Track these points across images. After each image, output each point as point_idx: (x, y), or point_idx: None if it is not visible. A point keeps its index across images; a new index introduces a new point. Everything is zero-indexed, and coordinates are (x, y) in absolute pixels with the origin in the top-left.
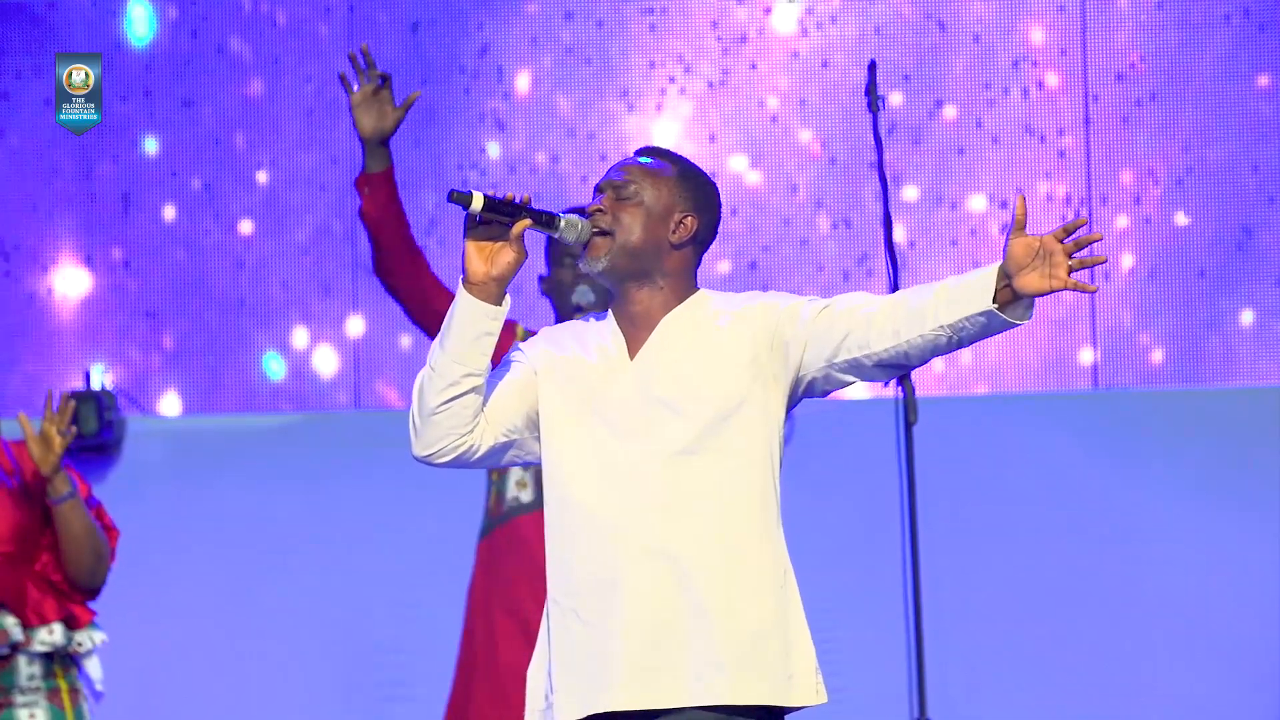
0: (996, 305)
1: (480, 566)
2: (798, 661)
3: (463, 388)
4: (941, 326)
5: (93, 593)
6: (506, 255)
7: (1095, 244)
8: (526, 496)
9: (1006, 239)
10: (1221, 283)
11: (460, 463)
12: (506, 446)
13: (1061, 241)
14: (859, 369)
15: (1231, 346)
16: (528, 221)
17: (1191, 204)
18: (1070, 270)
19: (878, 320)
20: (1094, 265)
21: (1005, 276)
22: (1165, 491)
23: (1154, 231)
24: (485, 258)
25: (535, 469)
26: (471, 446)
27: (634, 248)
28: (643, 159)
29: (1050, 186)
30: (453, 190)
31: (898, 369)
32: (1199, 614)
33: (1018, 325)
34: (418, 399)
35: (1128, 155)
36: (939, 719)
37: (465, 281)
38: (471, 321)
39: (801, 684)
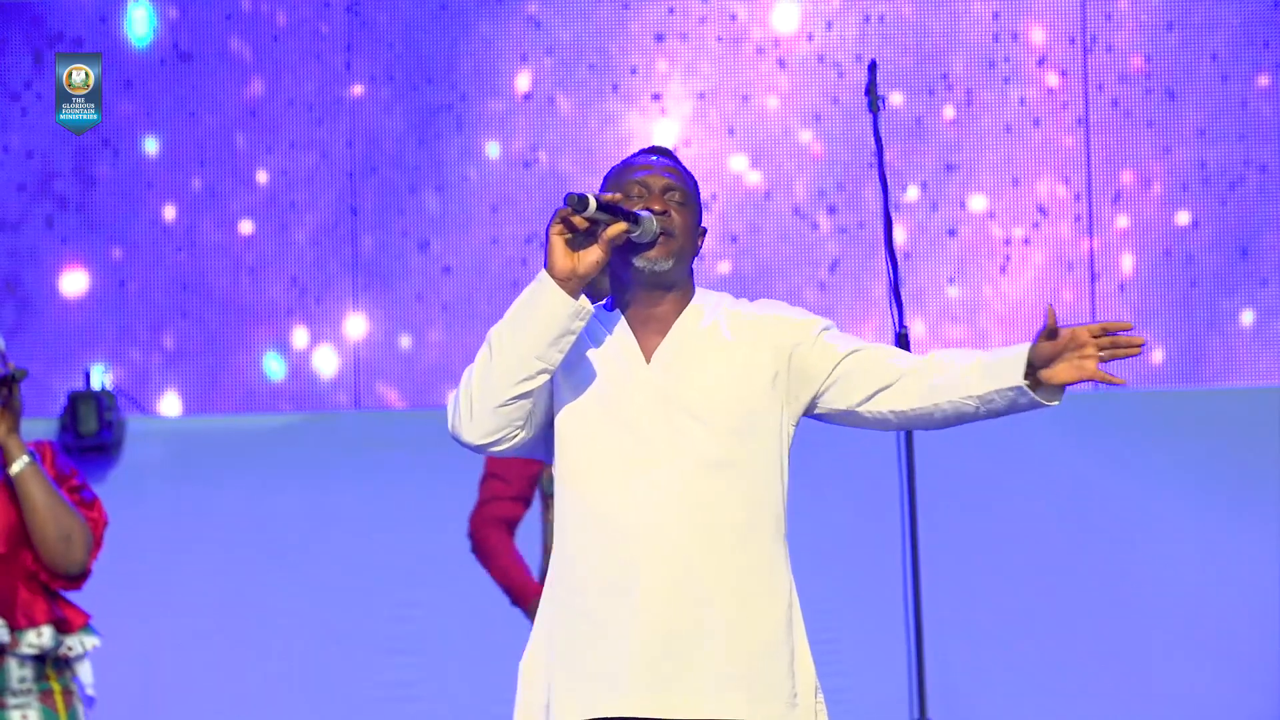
0: (1028, 383)
1: None
2: (801, 681)
3: (536, 384)
4: (971, 396)
5: (72, 580)
6: (594, 255)
7: (1130, 336)
8: None
9: (1036, 339)
10: (1221, 283)
11: (508, 452)
12: (542, 437)
13: (1096, 337)
14: (882, 422)
15: (1231, 346)
16: (624, 226)
17: (1191, 204)
18: (1100, 361)
19: (909, 381)
20: (1127, 353)
21: (1033, 365)
22: (1165, 491)
23: (1154, 231)
24: (572, 254)
25: None
26: (522, 439)
27: (686, 253)
28: (668, 160)
29: (1050, 186)
30: (570, 194)
31: (917, 426)
32: (1199, 613)
33: (1048, 406)
34: (480, 389)
35: (1128, 155)
36: (939, 719)
37: (552, 276)
38: (558, 319)
39: (803, 704)
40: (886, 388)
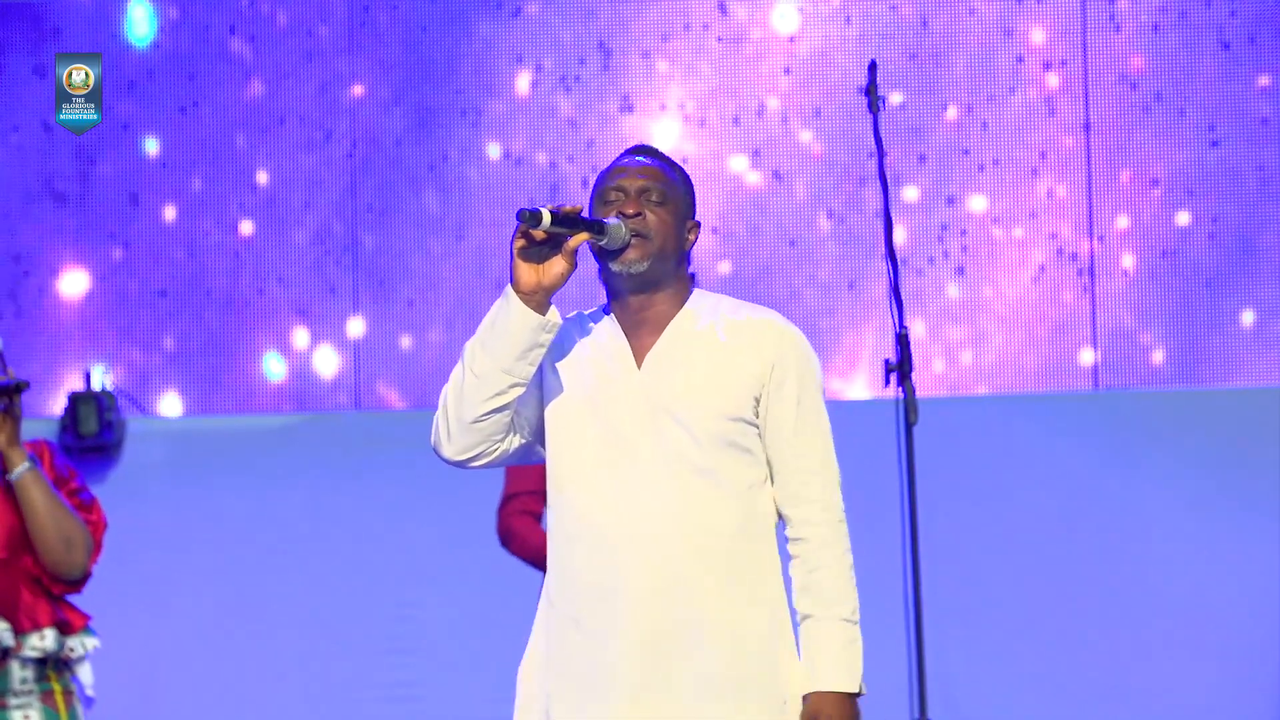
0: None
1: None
2: (790, 685)
3: (509, 398)
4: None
5: (73, 585)
6: (558, 266)
7: None
8: None
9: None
10: (1221, 283)
11: (491, 464)
12: (529, 446)
13: None
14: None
15: (1231, 346)
16: (586, 235)
17: (1191, 204)
18: None
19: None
20: None
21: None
22: (1165, 491)
23: (1154, 231)
24: (536, 268)
25: None
26: (504, 451)
27: (667, 252)
28: (648, 159)
29: (1050, 186)
30: (523, 209)
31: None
32: (1199, 613)
33: None
34: (455, 404)
35: (1128, 155)
36: (939, 719)
37: (516, 291)
38: (524, 333)
39: (792, 709)
40: (782, 490)
